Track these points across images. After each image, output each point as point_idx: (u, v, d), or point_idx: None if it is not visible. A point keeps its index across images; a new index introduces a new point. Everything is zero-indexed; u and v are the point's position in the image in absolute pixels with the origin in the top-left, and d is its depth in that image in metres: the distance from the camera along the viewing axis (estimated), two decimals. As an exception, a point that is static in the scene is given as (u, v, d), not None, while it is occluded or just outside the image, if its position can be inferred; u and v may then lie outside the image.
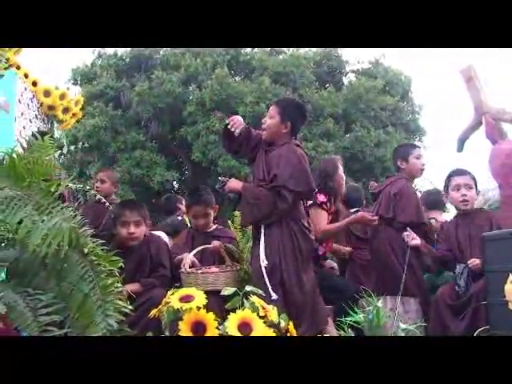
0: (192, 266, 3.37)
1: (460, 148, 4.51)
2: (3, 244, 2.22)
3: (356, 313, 2.50)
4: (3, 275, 2.09)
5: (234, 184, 3.45)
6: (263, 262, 3.14)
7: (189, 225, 4.23)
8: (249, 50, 17.83)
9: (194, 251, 3.30)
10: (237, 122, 3.43)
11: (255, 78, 16.06)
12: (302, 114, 3.66)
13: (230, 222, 4.01)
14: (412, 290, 3.55)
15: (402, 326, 2.54)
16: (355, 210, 4.89)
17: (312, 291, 3.30)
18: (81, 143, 15.02)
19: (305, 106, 3.97)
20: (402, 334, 2.48)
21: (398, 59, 32.31)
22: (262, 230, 3.27)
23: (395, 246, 3.82)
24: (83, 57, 22.42)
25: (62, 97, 4.73)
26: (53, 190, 2.21)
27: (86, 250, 2.07)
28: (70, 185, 2.50)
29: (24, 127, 4.29)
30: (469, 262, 3.51)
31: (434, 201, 4.78)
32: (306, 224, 3.38)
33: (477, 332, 2.88)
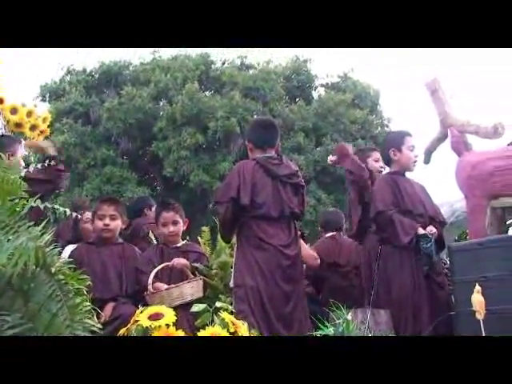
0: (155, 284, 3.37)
1: (427, 160, 4.59)
2: (-32, 264, 2.18)
3: (326, 326, 2.51)
4: (-32, 296, 2.05)
5: None
6: (231, 284, 3.30)
7: (154, 242, 4.17)
8: (219, 65, 17.92)
9: (155, 270, 3.29)
10: None
11: (226, 93, 16.13)
12: (252, 128, 3.82)
13: (198, 237, 4.01)
14: (383, 300, 3.57)
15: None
16: (331, 234, 4.81)
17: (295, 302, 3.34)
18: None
19: (257, 120, 4.13)
20: (372, 346, 2.49)
21: (366, 73, 32.73)
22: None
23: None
24: (51, 73, 22.21)
25: (29, 114, 4.69)
26: (18, 209, 2.19)
27: (53, 269, 2.05)
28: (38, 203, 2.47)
29: (-10, 145, 4.24)
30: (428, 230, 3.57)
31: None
32: (260, 235, 3.37)
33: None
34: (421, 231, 3.55)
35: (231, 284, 3.38)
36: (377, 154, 4.28)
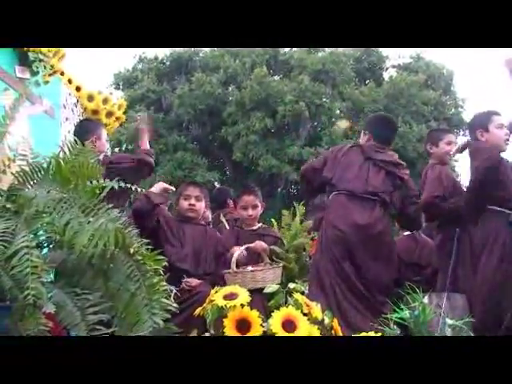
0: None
1: (505, 141, 4.40)
2: (51, 245, 2.28)
3: (402, 309, 2.47)
4: (52, 276, 2.14)
5: None
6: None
7: (226, 226, 4.22)
8: (287, 48, 17.83)
9: (238, 251, 3.30)
10: None
11: (294, 77, 16.05)
12: (381, 124, 3.85)
13: (273, 220, 4.02)
14: (459, 284, 3.46)
15: (449, 321, 2.50)
16: (409, 233, 4.53)
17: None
18: (124, 146, 15.27)
19: (387, 118, 4.12)
20: (449, 330, 2.44)
21: (439, 53, 31.69)
22: None
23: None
24: (124, 61, 22.77)
25: (105, 101, 4.82)
26: (98, 191, 2.26)
27: (131, 250, 2.11)
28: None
29: (69, 131, 4.40)
30: None
31: None
32: (339, 211, 3.47)
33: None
34: None
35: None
36: (451, 137, 4.07)
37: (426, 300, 2.49)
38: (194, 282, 3.33)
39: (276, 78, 16.99)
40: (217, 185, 16.97)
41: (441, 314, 2.58)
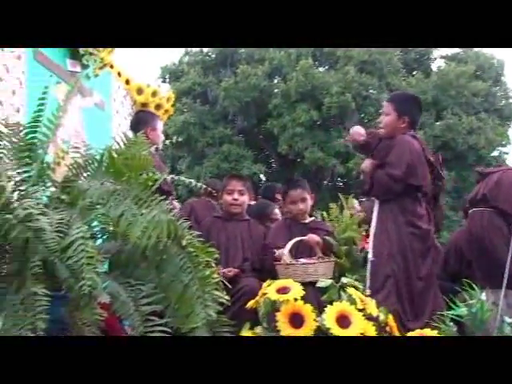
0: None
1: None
2: (105, 236, 2.30)
3: (458, 306, 2.39)
4: (106, 266, 2.16)
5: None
6: (370, 256, 3.20)
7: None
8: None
9: (291, 243, 3.25)
10: (354, 137, 3.49)
11: (340, 68, 15.88)
12: (417, 105, 3.62)
13: (325, 213, 3.95)
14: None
15: (508, 319, 2.41)
16: None
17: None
18: (173, 139, 15.42)
19: (419, 98, 3.83)
20: (509, 328, 2.36)
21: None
22: (373, 223, 3.30)
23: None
24: (171, 55, 23.00)
25: (154, 94, 4.85)
26: (150, 183, 2.27)
27: (183, 242, 2.11)
28: (171, 177, 2.57)
29: (119, 124, 4.44)
30: None
31: None
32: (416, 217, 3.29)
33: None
34: None
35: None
36: None
37: (484, 297, 2.41)
38: (232, 271, 3.31)
39: (321, 69, 16.86)
40: (262, 177, 16.99)
41: (498, 312, 2.48)
